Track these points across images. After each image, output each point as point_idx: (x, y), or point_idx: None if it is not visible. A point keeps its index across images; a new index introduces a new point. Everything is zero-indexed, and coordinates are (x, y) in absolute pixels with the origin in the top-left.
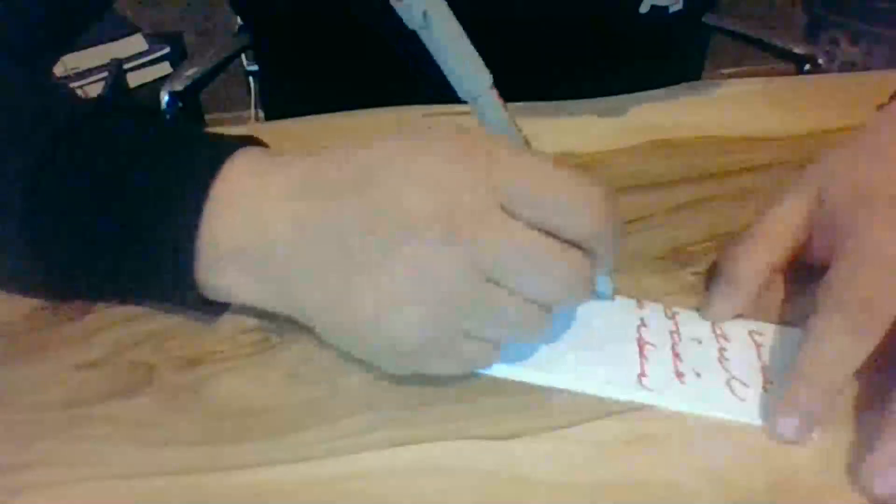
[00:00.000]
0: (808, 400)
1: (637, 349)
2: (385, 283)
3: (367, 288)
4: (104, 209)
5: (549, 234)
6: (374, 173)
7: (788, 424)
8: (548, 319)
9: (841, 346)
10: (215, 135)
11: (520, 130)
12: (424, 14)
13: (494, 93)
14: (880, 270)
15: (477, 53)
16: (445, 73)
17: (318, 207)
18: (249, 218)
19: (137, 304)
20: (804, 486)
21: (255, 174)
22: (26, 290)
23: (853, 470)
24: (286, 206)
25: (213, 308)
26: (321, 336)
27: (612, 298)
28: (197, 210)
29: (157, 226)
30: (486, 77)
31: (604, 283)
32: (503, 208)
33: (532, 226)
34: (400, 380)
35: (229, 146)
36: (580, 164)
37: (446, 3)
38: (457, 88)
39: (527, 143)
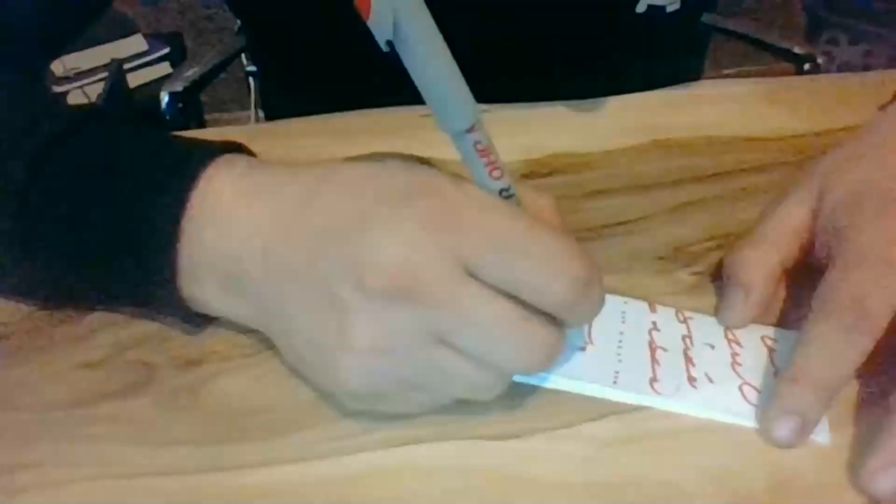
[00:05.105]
0: (805, 403)
1: (649, 353)
2: (342, 335)
3: (325, 337)
4: (90, 221)
5: (518, 300)
6: (346, 231)
7: (785, 428)
8: (504, 383)
9: (835, 347)
10: (195, 143)
11: (503, 172)
12: (395, 25)
13: (477, 136)
14: (873, 271)
15: (464, 82)
16: (426, 100)
17: (290, 250)
18: (223, 242)
19: (130, 312)
20: (804, 486)
21: (230, 195)
22: (21, 298)
23: (853, 470)
24: (257, 240)
25: (201, 318)
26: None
27: (584, 347)
28: (176, 224)
29: (137, 240)
30: (468, 113)
31: (577, 336)
32: (472, 274)
33: (501, 291)
34: None
35: (205, 158)
36: (580, 164)
37: (429, 15)
38: (437, 121)
39: (512, 190)
